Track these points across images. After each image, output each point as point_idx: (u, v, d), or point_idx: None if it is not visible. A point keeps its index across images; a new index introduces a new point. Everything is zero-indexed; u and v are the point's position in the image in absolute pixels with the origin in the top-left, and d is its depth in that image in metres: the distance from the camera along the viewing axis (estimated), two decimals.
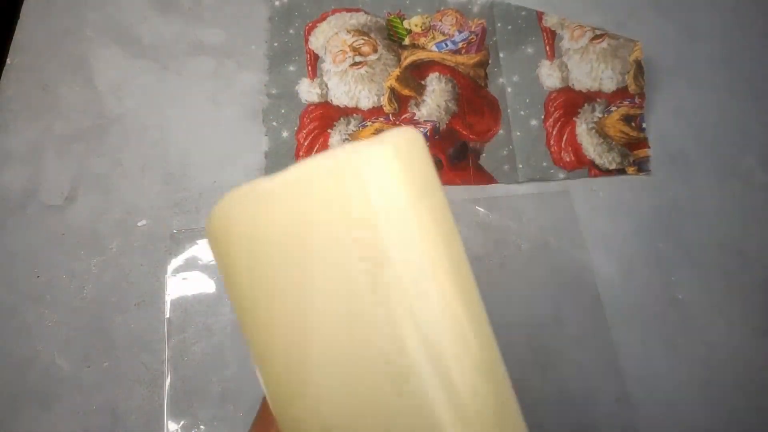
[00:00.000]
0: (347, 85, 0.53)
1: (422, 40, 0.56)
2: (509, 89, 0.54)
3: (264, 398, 0.26)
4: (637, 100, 0.55)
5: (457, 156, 0.52)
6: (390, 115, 0.53)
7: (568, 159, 0.53)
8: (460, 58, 0.55)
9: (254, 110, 0.52)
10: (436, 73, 0.55)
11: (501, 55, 0.56)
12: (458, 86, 0.54)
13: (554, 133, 0.54)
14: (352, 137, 0.51)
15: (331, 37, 0.56)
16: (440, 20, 0.57)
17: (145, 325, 0.44)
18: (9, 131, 0.50)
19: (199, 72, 0.53)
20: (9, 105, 0.51)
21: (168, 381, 0.42)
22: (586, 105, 0.55)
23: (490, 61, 0.56)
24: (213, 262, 0.46)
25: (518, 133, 0.53)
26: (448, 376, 0.19)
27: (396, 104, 0.53)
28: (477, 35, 0.57)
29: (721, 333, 0.47)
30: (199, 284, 0.45)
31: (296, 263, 0.19)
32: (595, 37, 0.56)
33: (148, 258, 0.46)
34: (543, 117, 0.54)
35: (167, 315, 0.44)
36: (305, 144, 0.51)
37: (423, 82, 0.54)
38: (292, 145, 0.51)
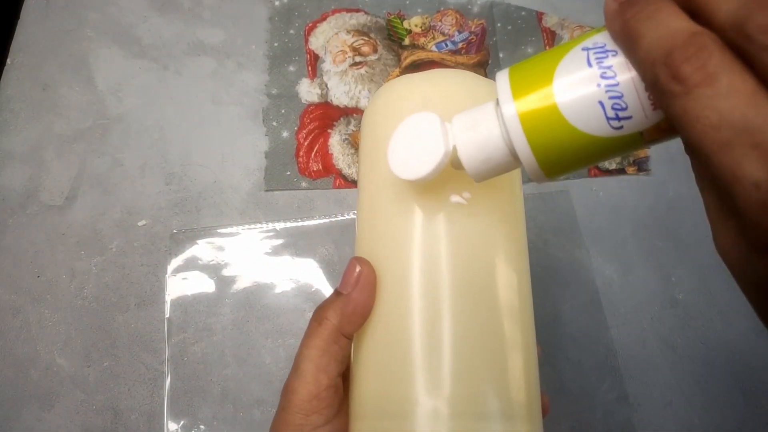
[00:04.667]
0: (347, 85, 0.54)
1: (422, 41, 0.56)
2: None
3: (284, 389, 0.26)
4: None
5: None
6: None
7: None
8: (459, 58, 0.55)
9: (254, 110, 0.52)
10: None
11: (501, 55, 0.56)
12: None
13: None
14: (352, 138, 0.51)
15: (331, 37, 0.56)
16: (440, 20, 0.57)
17: (145, 325, 0.44)
18: (9, 131, 0.50)
19: (199, 72, 0.53)
20: (9, 105, 0.51)
21: (168, 380, 0.42)
22: None
23: (490, 62, 0.56)
24: (213, 262, 0.46)
25: None
26: None
27: None
28: (477, 35, 0.57)
29: (720, 333, 0.47)
30: (199, 284, 0.45)
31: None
32: None
33: (148, 258, 0.46)
34: None
35: (167, 315, 0.44)
36: (305, 144, 0.51)
37: None
38: (293, 144, 0.51)
